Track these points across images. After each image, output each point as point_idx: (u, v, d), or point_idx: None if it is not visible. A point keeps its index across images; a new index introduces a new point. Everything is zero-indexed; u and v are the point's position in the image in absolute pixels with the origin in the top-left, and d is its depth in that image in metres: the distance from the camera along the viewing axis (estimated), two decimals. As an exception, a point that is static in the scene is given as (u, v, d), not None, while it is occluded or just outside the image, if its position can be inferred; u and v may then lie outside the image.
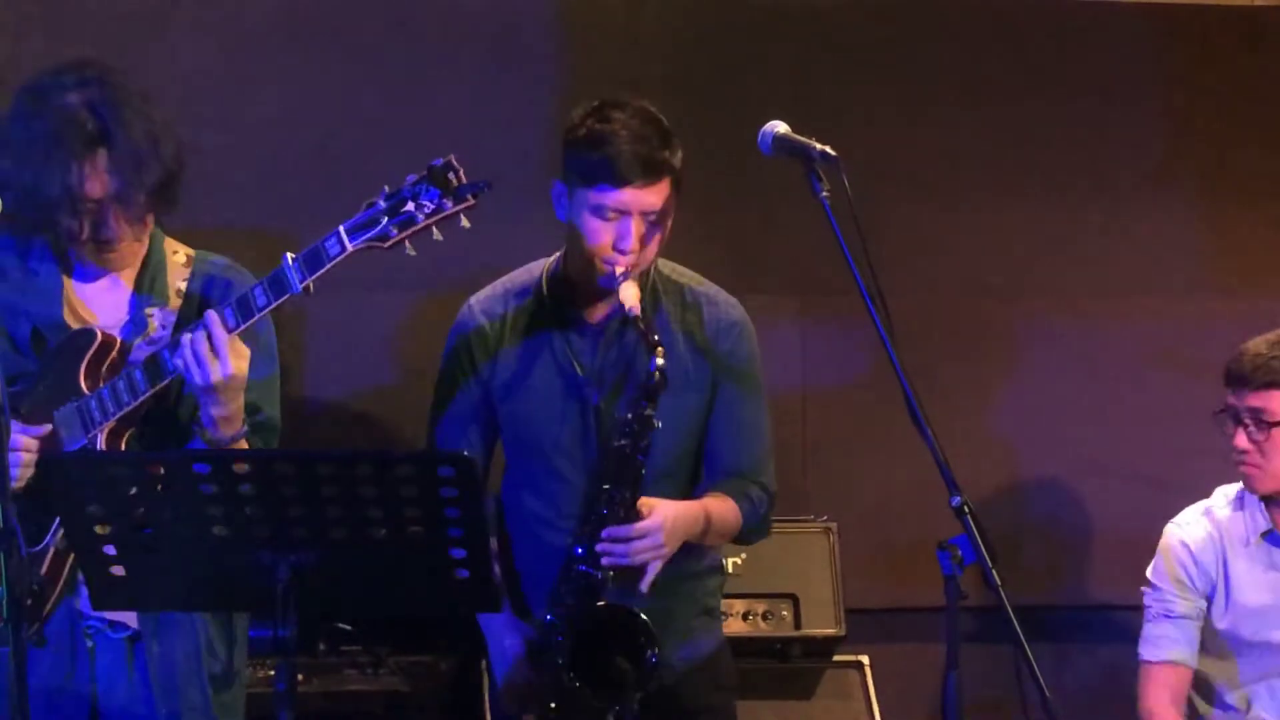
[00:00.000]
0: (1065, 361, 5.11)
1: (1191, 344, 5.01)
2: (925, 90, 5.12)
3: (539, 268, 3.86)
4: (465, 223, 3.37)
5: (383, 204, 3.38)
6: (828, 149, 3.47)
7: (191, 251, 3.71)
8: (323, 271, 3.40)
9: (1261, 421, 4.16)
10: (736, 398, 3.83)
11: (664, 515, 3.64)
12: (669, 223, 3.73)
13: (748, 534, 3.87)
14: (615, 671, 3.60)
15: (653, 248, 3.71)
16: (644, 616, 3.60)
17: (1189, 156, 5.21)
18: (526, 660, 3.73)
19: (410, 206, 3.36)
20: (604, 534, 3.62)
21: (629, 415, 3.64)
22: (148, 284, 3.64)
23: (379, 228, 3.37)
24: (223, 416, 3.46)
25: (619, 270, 3.65)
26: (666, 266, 3.87)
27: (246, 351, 3.45)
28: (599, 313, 3.80)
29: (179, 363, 3.41)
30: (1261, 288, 5.14)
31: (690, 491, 3.83)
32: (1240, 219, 5.21)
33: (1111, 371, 5.11)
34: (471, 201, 3.36)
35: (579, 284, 3.77)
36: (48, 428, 3.48)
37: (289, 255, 3.42)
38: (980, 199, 5.12)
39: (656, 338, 3.59)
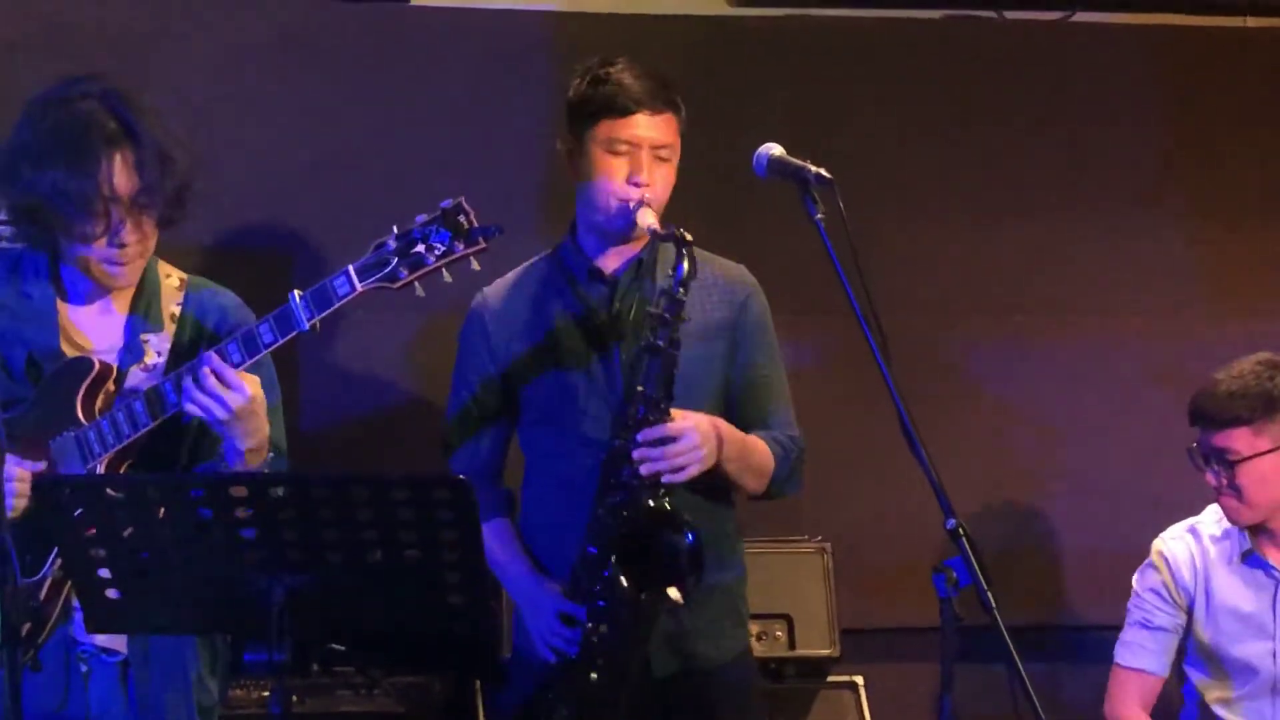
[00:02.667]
0: (1059, 381, 5.12)
1: (1184, 363, 5.01)
2: (918, 111, 5.13)
3: (551, 251, 3.92)
4: (476, 265, 3.39)
5: (392, 245, 3.39)
6: (823, 171, 3.49)
7: (185, 275, 3.70)
8: (330, 311, 3.40)
9: (1226, 461, 4.17)
10: (754, 356, 3.87)
11: (698, 419, 3.64)
12: (674, 167, 3.78)
13: (780, 480, 3.85)
14: (658, 566, 3.58)
15: (665, 188, 3.76)
16: (671, 507, 3.58)
17: (1180, 176, 5.23)
18: (561, 609, 3.69)
19: (420, 249, 3.37)
20: (639, 437, 3.60)
21: (660, 303, 3.62)
22: (143, 308, 3.63)
23: (389, 269, 3.38)
24: (250, 449, 3.44)
25: (635, 199, 3.69)
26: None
27: (255, 377, 3.44)
28: (613, 262, 3.83)
29: (192, 409, 3.39)
30: (1252, 307, 5.16)
31: None
32: (1231, 238, 5.23)
33: (1105, 391, 5.12)
34: (483, 245, 3.38)
35: (592, 236, 3.81)
36: (43, 464, 3.46)
37: (296, 292, 3.41)
38: (973, 219, 5.14)
39: (682, 230, 3.62)
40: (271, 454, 3.51)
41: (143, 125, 3.49)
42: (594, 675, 3.65)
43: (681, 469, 3.61)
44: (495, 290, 3.90)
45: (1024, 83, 5.20)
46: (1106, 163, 5.20)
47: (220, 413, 3.38)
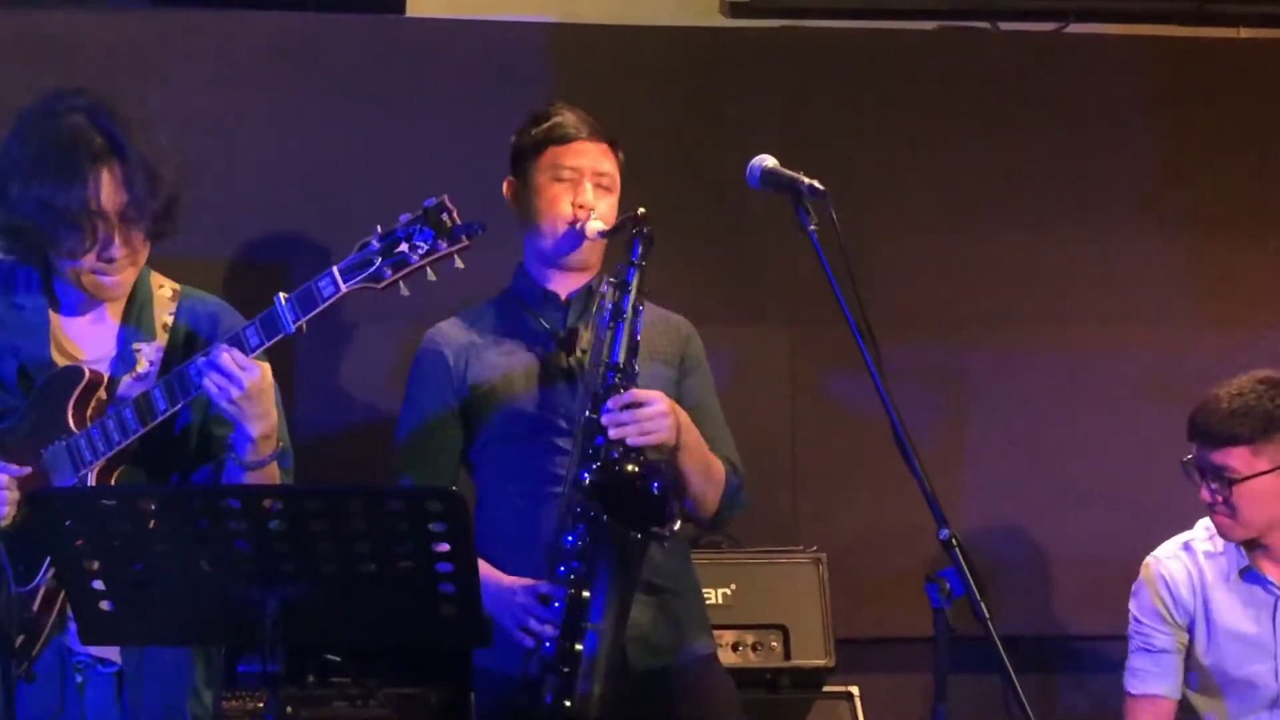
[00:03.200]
0: (1053, 392, 5.12)
1: (1180, 374, 5.02)
2: (913, 122, 5.14)
3: (499, 293, 4.02)
4: (460, 263, 3.39)
5: (376, 245, 3.39)
6: (815, 183, 3.50)
7: (177, 286, 3.70)
8: (316, 313, 3.40)
9: (1224, 479, 4.15)
10: (697, 388, 3.98)
11: (663, 395, 3.73)
12: (617, 198, 3.90)
13: (731, 493, 3.93)
14: (633, 512, 3.63)
15: (608, 213, 3.87)
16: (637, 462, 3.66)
17: (1177, 187, 5.23)
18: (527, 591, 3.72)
19: (404, 247, 3.37)
20: (608, 404, 3.68)
21: (621, 271, 3.73)
22: (135, 317, 3.63)
23: (373, 268, 3.38)
24: (261, 435, 3.43)
25: (581, 219, 3.83)
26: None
27: (266, 364, 3.44)
28: (568, 286, 3.94)
29: (208, 384, 3.39)
30: (1249, 318, 5.16)
31: None
32: (1228, 249, 5.23)
33: (1099, 402, 5.12)
34: (466, 243, 3.38)
35: (540, 267, 3.93)
36: (28, 470, 3.46)
37: (281, 295, 3.42)
38: (967, 230, 5.14)
39: (641, 210, 3.74)
40: (282, 444, 3.51)
41: (129, 140, 3.49)
42: (579, 646, 3.65)
43: (649, 433, 3.68)
44: (449, 325, 4.00)
45: (1018, 94, 5.20)
46: (1101, 173, 5.20)
47: (234, 388, 3.38)
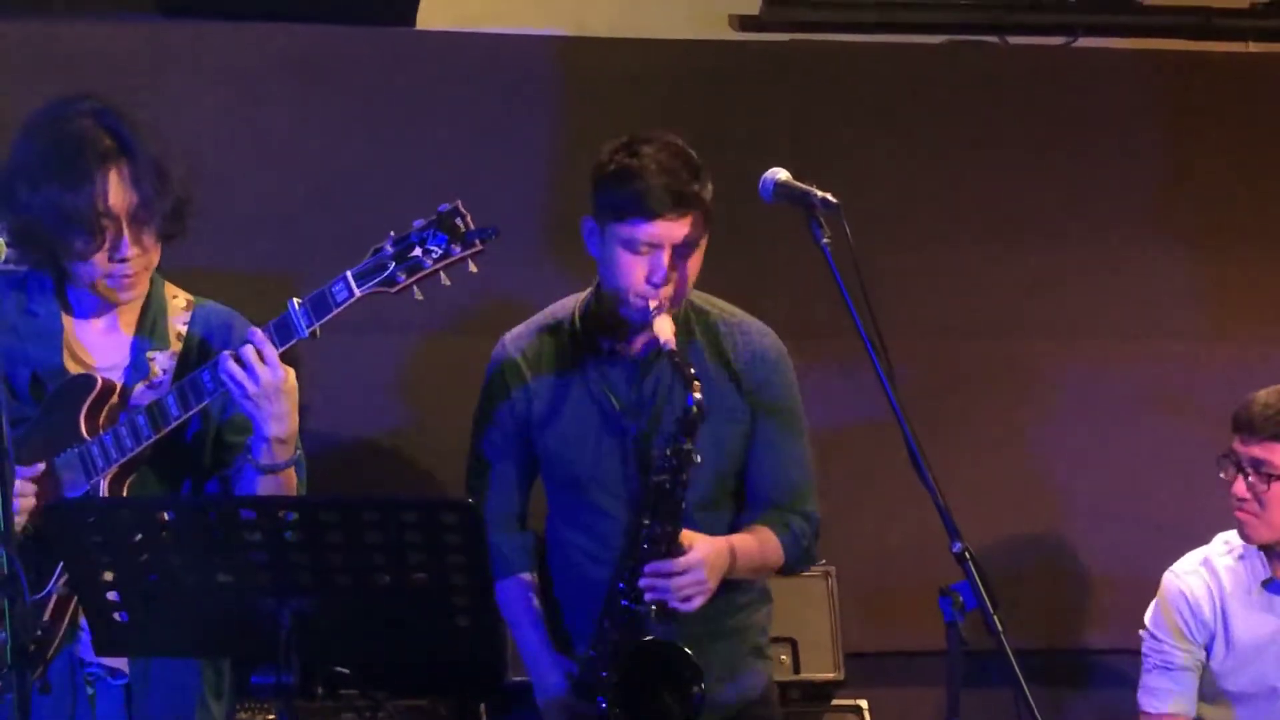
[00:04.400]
0: (1065, 405, 5.12)
1: (1189, 387, 5.02)
2: (922, 136, 5.15)
3: (571, 303, 3.88)
4: (473, 268, 3.38)
5: (390, 249, 3.39)
6: (829, 195, 3.50)
7: (191, 296, 3.71)
8: (330, 317, 3.40)
9: (1262, 473, 4.15)
10: (772, 428, 3.84)
11: (703, 547, 3.64)
12: (700, 254, 3.74)
13: (792, 564, 3.86)
14: (660, 708, 3.62)
15: (685, 280, 3.73)
16: (689, 652, 3.61)
17: (1186, 200, 5.24)
18: (570, 696, 3.72)
19: (418, 252, 3.36)
20: (646, 569, 3.61)
21: (667, 450, 3.63)
22: (148, 327, 3.63)
23: (386, 273, 3.38)
24: (278, 438, 3.42)
25: (653, 305, 3.66)
26: (698, 297, 3.88)
27: (290, 368, 3.43)
28: (634, 346, 3.80)
29: (223, 376, 3.38)
30: (1260, 331, 5.16)
31: (734, 520, 3.83)
32: (1237, 263, 5.23)
33: (1111, 415, 5.12)
34: (479, 247, 3.37)
35: (612, 318, 3.77)
36: (40, 467, 3.46)
37: (295, 300, 3.42)
38: (980, 243, 5.15)
39: (693, 371, 3.60)
40: (299, 451, 3.50)
41: (137, 140, 3.50)
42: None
43: (688, 599, 3.63)
44: (519, 340, 3.88)
45: (1027, 108, 5.21)
46: (1110, 186, 5.21)
47: (250, 383, 3.38)
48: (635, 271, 3.67)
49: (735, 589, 3.79)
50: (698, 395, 3.57)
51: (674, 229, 3.66)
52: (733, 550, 3.71)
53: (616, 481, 3.77)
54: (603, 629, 3.68)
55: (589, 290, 3.87)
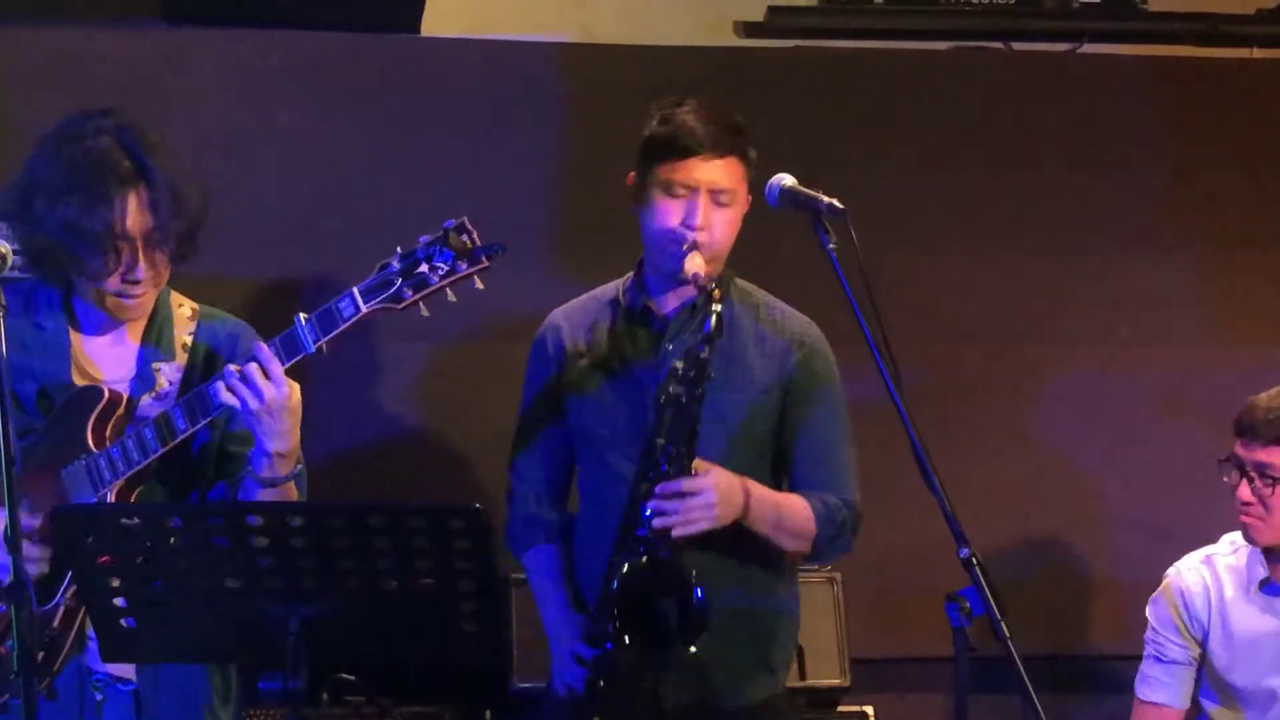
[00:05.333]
0: (1071, 412, 5.11)
1: (1196, 394, 5.02)
2: (927, 142, 5.14)
3: (618, 281, 3.90)
4: (479, 284, 3.39)
5: (396, 265, 3.40)
6: (835, 201, 3.51)
7: (196, 305, 3.71)
8: (336, 333, 3.41)
9: (1267, 476, 4.15)
10: (809, 415, 3.82)
11: (719, 475, 3.60)
12: (740, 211, 3.76)
13: (824, 540, 3.78)
14: (663, 624, 3.57)
15: (723, 232, 3.73)
16: (677, 560, 3.56)
17: (1191, 206, 5.23)
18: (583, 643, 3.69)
19: (424, 268, 3.37)
20: (657, 490, 3.57)
21: (682, 361, 3.58)
22: (154, 337, 3.64)
23: (393, 289, 3.39)
24: (279, 453, 3.43)
25: (686, 245, 3.67)
26: (744, 284, 3.89)
27: (296, 384, 3.44)
28: (670, 304, 3.81)
29: (226, 389, 3.39)
30: (1264, 338, 5.16)
31: None
32: (1242, 269, 5.23)
33: (1117, 422, 5.11)
34: (485, 264, 3.39)
35: (653, 274, 3.80)
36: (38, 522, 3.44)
37: (301, 315, 3.42)
38: (986, 250, 5.14)
39: (715, 287, 3.59)
40: (300, 465, 3.51)
41: (156, 163, 3.50)
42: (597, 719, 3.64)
43: (692, 523, 3.58)
44: (564, 311, 3.91)
45: (1032, 115, 5.21)
46: (1115, 193, 5.20)
47: (253, 400, 3.38)
48: (672, 215, 3.69)
49: (747, 592, 3.75)
50: (718, 307, 3.55)
51: (710, 169, 3.69)
52: (747, 489, 3.65)
53: (631, 439, 3.71)
54: (614, 565, 3.63)
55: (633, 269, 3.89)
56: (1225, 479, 4.20)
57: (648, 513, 3.57)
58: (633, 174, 3.80)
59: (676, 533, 3.57)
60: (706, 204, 3.69)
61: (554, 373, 3.86)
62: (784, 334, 3.83)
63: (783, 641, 3.87)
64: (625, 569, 3.59)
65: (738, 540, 3.68)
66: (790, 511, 3.74)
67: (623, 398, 3.77)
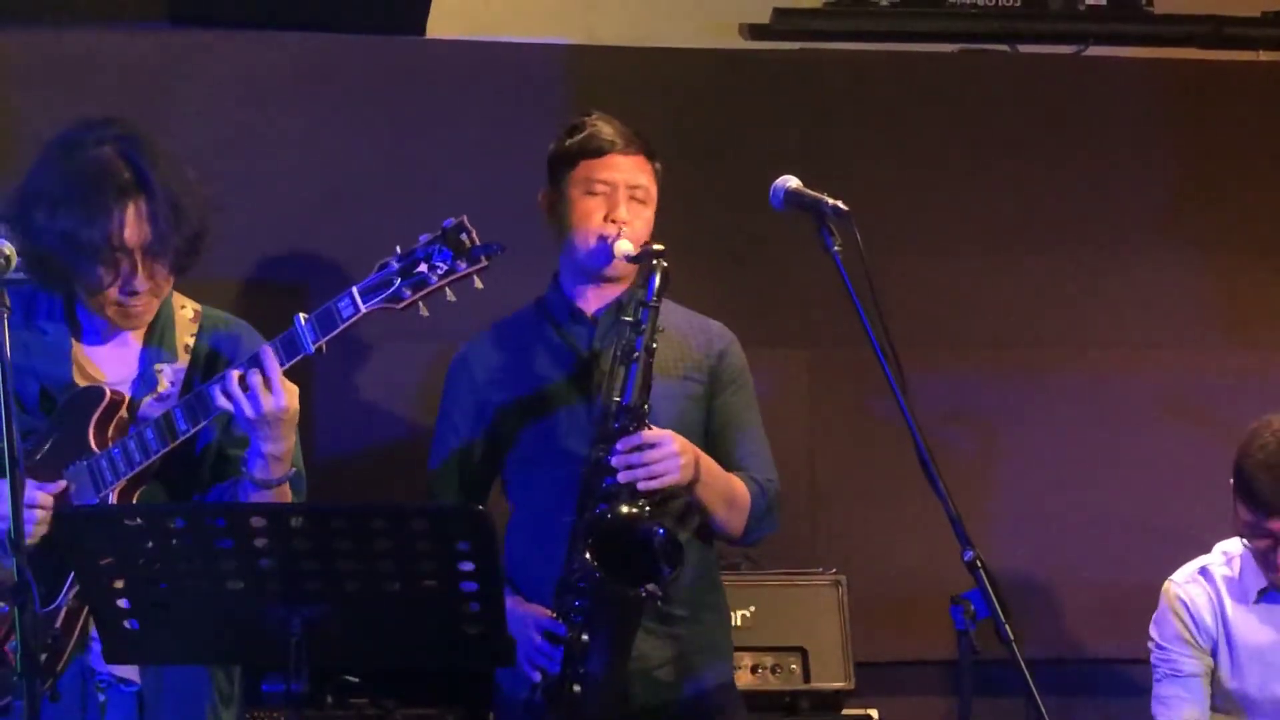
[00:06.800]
0: (1077, 414, 5.10)
1: (1201, 395, 5.01)
2: (932, 145, 5.14)
3: (534, 300, 3.99)
4: (479, 284, 3.39)
5: (395, 265, 3.40)
6: (839, 203, 3.50)
7: (199, 307, 3.71)
8: (336, 333, 3.41)
9: None
10: (734, 405, 3.93)
11: (673, 433, 3.69)
12: (653, 211, 3.87)
13: (756, 516, 3.88)
14: (630, 575, 3.60)
15: (643, 230, 3.84)
16: (635, 511, 3.62)
17: (1197, 208, 5.23)
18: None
19: (423, 268, 3.38)
20: (618, 445, 3.64)
21: (634, 311, 3.70)
22: (157, 339, 3.64)
23: (392, 289, 3.39)
24: (274, 455, 3.44)
25: (611, 235, 3.79)
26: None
27: (295, 388, 3.44)
28: (595, 303, 3.90)
29: (224, 396, 3.40)
30: (1271, 340, 5.15)
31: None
32: (1248, 270, 5.22)
33: (1123, 424, 5.11)
34: (485, 263, 3.39)
35: (574, 280, 3.90)
36: (62, 484, 3.47)
37: (301, 316, 3.43)
38: (990, 252, 5.14)
39: (659, 246, 3.72)
40: (294, 469, 3.51)
41: (157, 175, 3.50)
42: (576, 687, 3.64)
43: (659, 475, 3.64)
44: (480, 341, 3.99)
45: (1038, 117, 5.20)
46: (1120, 196, 5.20)
47: (250, 409, 3.38)
48: (594, 213, 3.83)
49: (700, 583, 3.82)
50: (665, 263, 3.70)
51: (627, 164, 3.85)
52: (697, 453, 3.74)
53: (583, 439, 3.77)
54: (578, 529, 3.67)
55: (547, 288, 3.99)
56: (1246, 544, 4.14)
57: (613, 463, 3.63)
58: (543, 191, 3.93)
59: (643, 485, 3.64)
60: (626, 200, 3.83)
61: (479, 403, 3.92)
62: (704, 331, 3.96)
63: (726, 627, 4.00)
64: (596, 520, 3.64)
65: (681, 523, 3.78)
66: (732, 481, 3.84)
67: (569, 400, 3.84)
